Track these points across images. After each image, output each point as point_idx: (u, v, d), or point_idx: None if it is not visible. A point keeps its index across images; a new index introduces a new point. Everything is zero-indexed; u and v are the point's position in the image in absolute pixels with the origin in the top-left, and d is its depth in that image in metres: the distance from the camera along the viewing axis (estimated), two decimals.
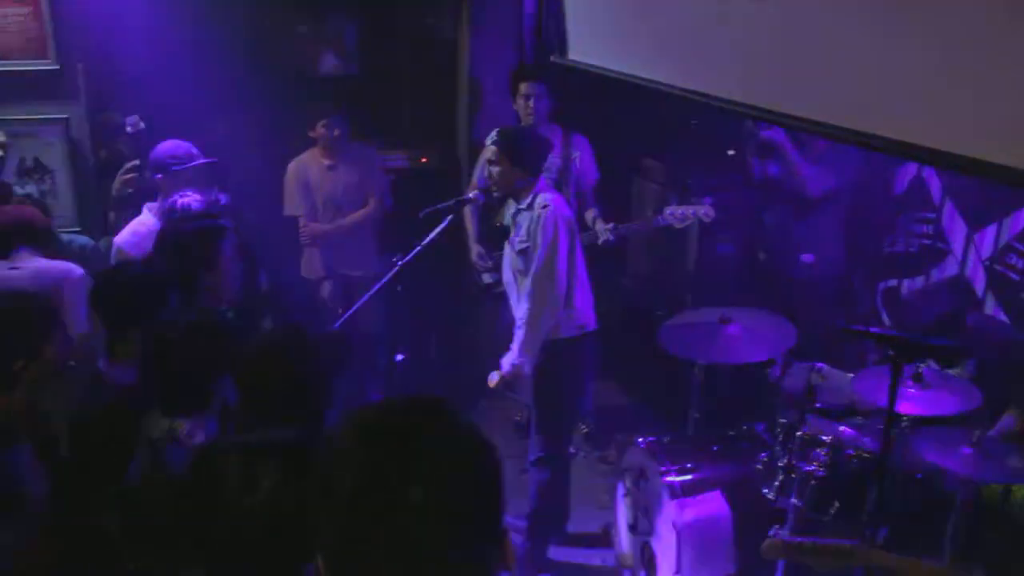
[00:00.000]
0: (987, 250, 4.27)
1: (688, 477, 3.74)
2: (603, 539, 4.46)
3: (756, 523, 3.67)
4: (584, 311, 4.08)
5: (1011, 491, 3.96)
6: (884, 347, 4.55)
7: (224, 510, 1.64)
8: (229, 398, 2.38)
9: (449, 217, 3.90)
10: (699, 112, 5.21)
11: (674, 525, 3.63)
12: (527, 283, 3.92)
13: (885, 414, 3.43)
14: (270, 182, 5.23)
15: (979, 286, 4.32)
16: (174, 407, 2.38)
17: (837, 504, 3.43)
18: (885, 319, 4.96)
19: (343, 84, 5.91)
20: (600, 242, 4.70)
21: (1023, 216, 4.23)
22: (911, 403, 3.26)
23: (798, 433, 3.54)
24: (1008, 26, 1.93)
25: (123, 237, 3.87)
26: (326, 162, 5.06)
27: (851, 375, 3.81)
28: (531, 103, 4.73)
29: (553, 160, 4.81)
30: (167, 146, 4.10)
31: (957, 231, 4.51)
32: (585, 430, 5.26)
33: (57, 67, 4.63)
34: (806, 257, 4.65)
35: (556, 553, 4.40)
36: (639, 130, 5.66)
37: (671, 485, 3.71)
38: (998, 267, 4.22)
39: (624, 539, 4.17)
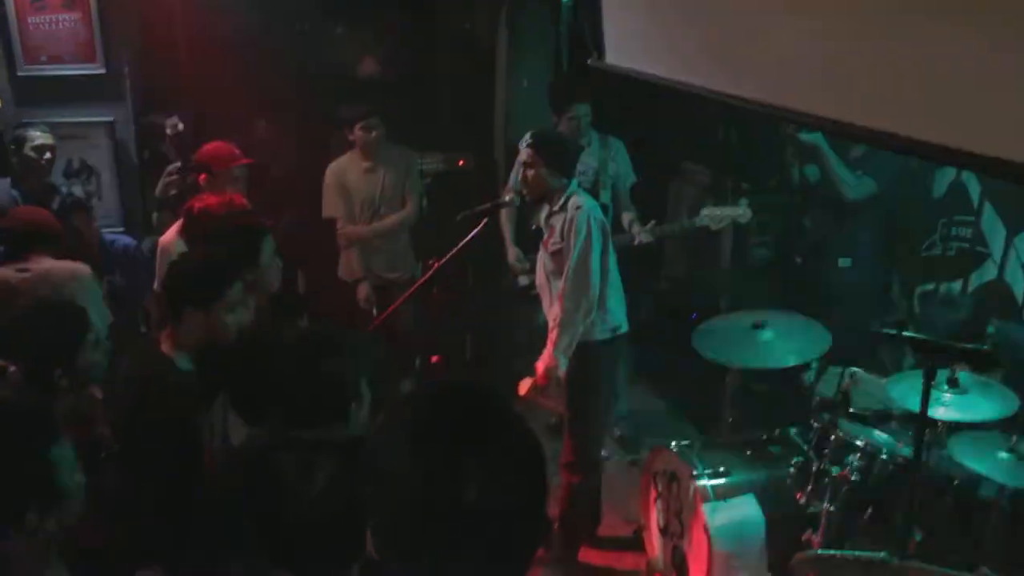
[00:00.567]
0: None
1: (721, 481, 3.74)
2: (634, 542, 4.46)
3: (789, 527, 3.67)
4: (617, 313, 4.09)
5: None
6: (918, 351, 4.56)
7: (283, 503, 1.71)
8: None
9: (485, 220, 3.93)
10: (738, 116, 5.21)
11: (706, 529, 3.63)
12: (561, 285, 3.94)
13: (919, 419, 3.45)
14: (309, 183, 5.31)
15: (1018, 290, 4.27)
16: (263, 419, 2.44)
17: (870, 509, 3.41)
18: (923, 322, 4.92)
19: (382, 87, 5.98)
20: (636, 243, 4.71)
21: None
22: (946, 408, 3.23)
23: (831, 438, 3.53)
24: None
25: (168, 237, 3.94)
26: (364, 164, 5.11)
27: (885, 380, 3.79)
28: (579, 123, 4.80)
29: (589, 163, 4.85)
30: (210, 148, 4.18)
31: (996, 235, 4.46)
32: (618, 433, 5.27)
33: (104, 71, 4.75)
34: (843, 261, 4.62)
35: (587, 555, 4.42)
36: (678, 132, 5.68)
37: (704, 488, 3.71)
38: None
39: (655, 542, 4.17)
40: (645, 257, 4.98)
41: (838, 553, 2.67)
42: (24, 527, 1.88)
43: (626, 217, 4.89)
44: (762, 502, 3.71)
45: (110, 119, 4.84)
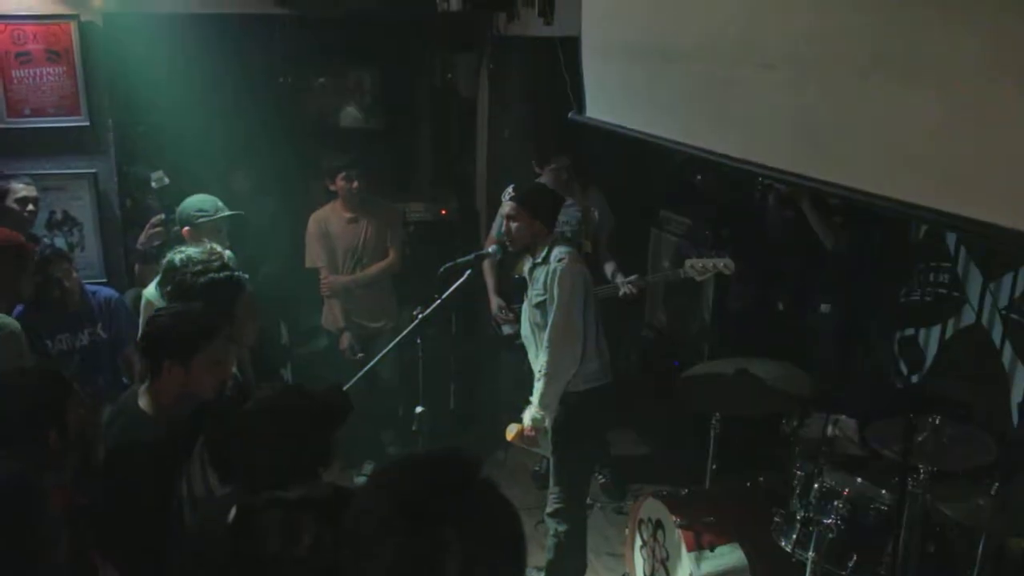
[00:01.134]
0: (1003, 299, 4.29)
1: (706, 529, 3.74)
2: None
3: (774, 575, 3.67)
4: (601, 363, 4.11)
5: None
6: (902, 400, 4.60)
7: (269, 563, 1.70)
8: None
9: (468, 271, 3.96)
10: (713, 167, 5.29)
11: None
12: (545, 336, 3.97)
13: (902, 466, 3.47)
14: (291, 233, 5.32)
15: (996, 335, 4.33)
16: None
17: (855, 557, 3.41)
18: (903, 368, 4.96)
19: (363, 137, 6.03)
20: (621, 295, 4.74)
21: None
22: (928, 456, 3.25)
23: (815, 485, 3.54)
24: (1013, 90, 1.98)
25: (152, 290, 3.91)
26: (346, 215, 5.14)
27: (867, 425, 3.82)
28: (562, 174, 4.88)
29: (572, 214, 4.90)
30: (194, 200, 4.20)
31: (973, 280, 4.53)
32: (602, 480, 5.26)
33: (87, 123, 4.76)
34: (824, 307, 4.67)
35: None
36: (655, 182, 5.76)
37: (689, 537, 3.70)
38: (1015, 316, 4.23)
39: None
40: (628, 305, 5.01)
41: None
42: None
43: (609, 267, 4.95)
44: (747, 551, 3.71)
45: (93, 171, 4.84)
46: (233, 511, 1.99)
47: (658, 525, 3.97)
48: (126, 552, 2.49)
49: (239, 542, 1.82)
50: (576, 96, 3.82)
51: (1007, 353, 4.26)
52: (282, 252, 5.35)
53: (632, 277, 4.78)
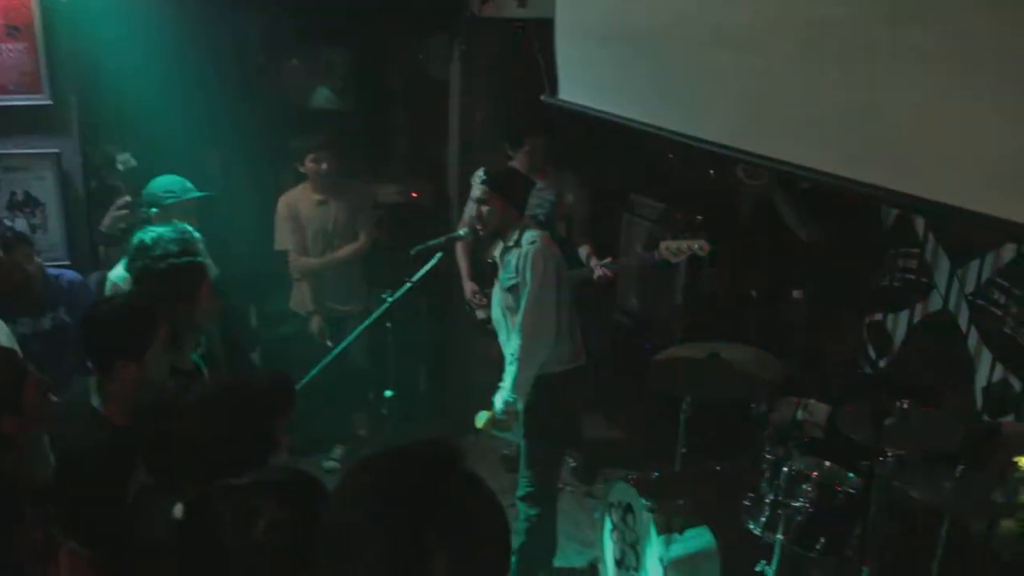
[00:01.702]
0: (970, 285, 4.32)
1: (676, 513, 3.75)
2: (590, 574, 4.45)
3: (743, 559, 3.69)
4: (573, 346, 4.11)
5: (997, 525, 3.99)
6: (870, 385, 4.64)
7: (225, 552, 1.67)
8: None
9: (439, 254, 3.93)
10: (689, 150, 5.29)
11: (661, 561, 3.64)
12: (518, 319, 3.95)
13: (870, 449, 3.50)
14: (261, 215, 5.26)
15: (962, 321, 4.37)
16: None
17: (823, 540, 3.44)
18: (871, 353, 5.00)
19: (334, 118, 5.95)
20: (595, 278, 4.73)
21: (1007, 252, 4.29)
22: (895, 440, 3.28)
23: (785, 469, 3.56)
24: (985, 76, 1.98)
25: (118, 272, 3.83)
26: (316, 197, 5.09)
27: (825, 407, 3.85)
28: (536, 157, 4.85)
29: (545, 197, 4.88)
30: (162, 181, 4.13)
31: (941, 266, 4.56)
32: (573, 464, 5.27)
33: (50, 102, 4.65)
34: (795, 293, 4.69)
35: None
36: (627, 165, 5.74)
37: (659, 520, 3.72)
38: (981, 302, 4.26)
39: (611, 574, 4.17)
40: (599, 289, 5.01)
41: None
42: None
43: (583, 251, 4.93)
44: (716, 534, 3.73)
45: (56, 150, 4.73)
46: (179, 507, 1.97)
47: (628, 509, 3.98)
48: (87, 538, 2.44)
49: (191, 535, 1.78)
50: (549, 78, 3.80)
51: (973, 338, 4.30)
52: (252, 234, 5.29)
53: (607, 260, 4.77)
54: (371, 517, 1.23)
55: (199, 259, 3.25)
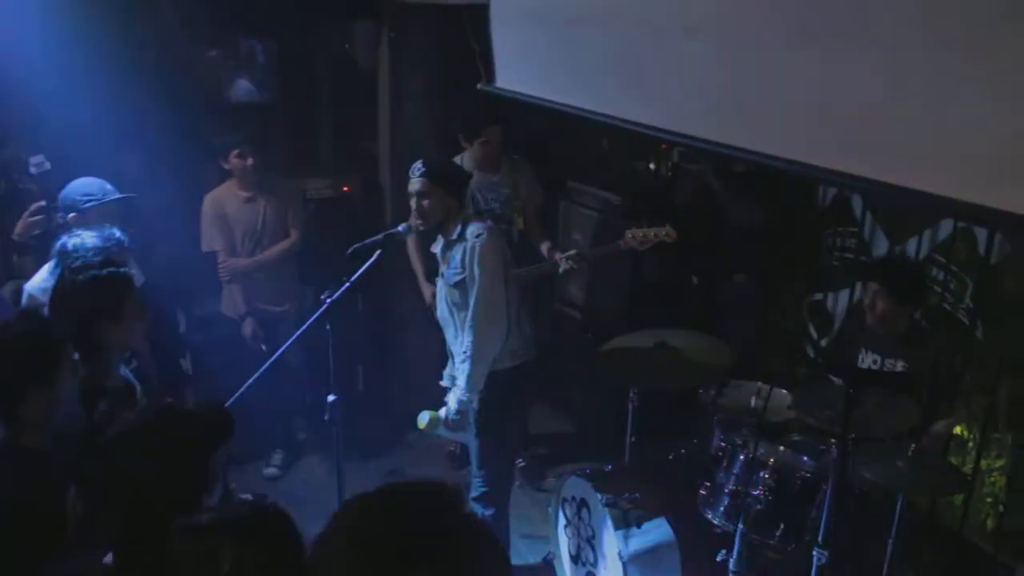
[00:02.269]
0: None
1: (632, 506, 3.69)
2: (544, 570, 4.38)
3: (702, 549, 3.65)
4: (523, 339, 4.03)
5: (946, 502, 4.04)
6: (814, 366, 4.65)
7: None
8: None
9: (378, 251, 3.78)
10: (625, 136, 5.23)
11: (620, 556, 3.57)
12: (468, 315, 3.84)
13: (824, 432, 3.49)
14: (185, 216, 5.04)
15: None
16: None
17: (782, 526, 3.42)
18: (812, 332, 5.03)
19: (259, 111, 5.74)
20: (562, 271, 4.61)
21: (941, 228, 4.34)
22: (853, 423, 3.26)
23: (740, 457, 3.53)
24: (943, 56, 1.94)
25: (36, 283, 3.57)
26: (243, 194, 4.89)
27: (785, 392, 3.83)
28: (493, 147, 4.70)
29: (501, 189, 4.75)
30: (79, 184, 3.90)
31: (879, 245, 4.60)
32: (522, 462, 5.15)
33: None
34: (737, 276, 4.67)
35: None
36: (561, 153, 5.66)
37: (615, 515, 3.65)
38: None
39: (567, 570, 4.10)
40: (540, 279, 4.92)
41: None
42: None
43: (544, 245, 4.80)
44: (675, 525, 3.68)
45: None
46: (110, 556, 1.83)
47: (582, 504, 3.91)
48: None
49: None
50: (485, 66, 3.67)
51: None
52: (176, 236, 5.06)
53: (571, 252, 4.63)
54: (360, 560, 1.11)
55: (123, 270, 3.02)
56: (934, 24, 1.95)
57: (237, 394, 3.67)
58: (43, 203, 4.00)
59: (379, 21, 5.34)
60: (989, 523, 4.18)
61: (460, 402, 3.87)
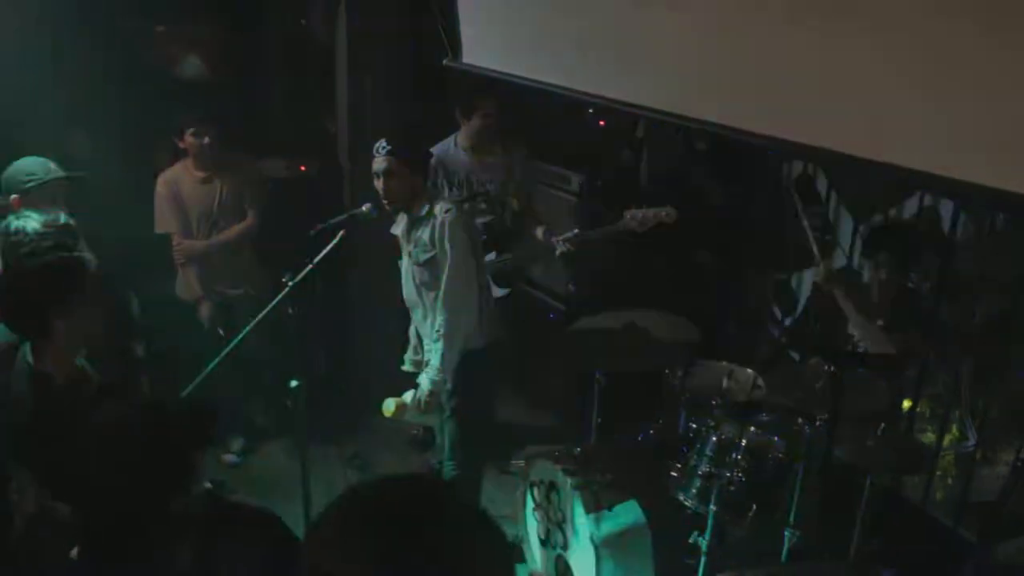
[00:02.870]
0: None
1: (602, 489, 3.65)
2: (513, 554, 4.33)
3: (674, 531, 3.63)
4: (492, 319, 3.97)
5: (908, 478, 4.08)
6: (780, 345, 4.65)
7: None
8: None
9: (342, 232, 3.67)
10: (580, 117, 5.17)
11: (592, 539, 3.53)
12: (442, 293, 3.76)
13: (794, 412, 3.49)
14: (137, 197, 4.87)
15: (867, 277, 4.41)
16: None
17: (755, 507, 3.41)
18: (776, 312, 5.04)
19: (212, 89, 5.56)
20: (558, 254, 4.52)
21: (906, 208, 4.35)
22: (823, 402, 3.26)
23: (712, 438, 3.50)
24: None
25: None
26: (198, 174, 4.74)
27: (750, 372, 3.82)
28: (491, 124, 4.54)
29: (496, 169, 4.64)
30: (21, 164, 3.74)
31: (845, 223, 4.60)
32: (489, 443, 5.09)
33: None
34: (701, 256, 4.65)
35: None
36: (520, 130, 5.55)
37: (585, 498, 3.61)
38: None
39: (536, 553, 4.06)
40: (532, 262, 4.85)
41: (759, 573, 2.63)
42: None
43: (539, 228, 4.69)
44: (645, 507, 3.65)
45: None
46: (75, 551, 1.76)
47: (551, 487, 3.86)
48: None
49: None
50: (450, 40, 3.58)
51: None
52: (127, 217, 4.89)
53: (569, 234, 4.54)
54: (356, 557, 1.05)
55: (75, 254, 2.86)
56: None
57: (196, 381, 3.56)
58: None
59: None
60: (939, 496, 4.24)
61: (433, 382, 3.80)
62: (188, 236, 4.79)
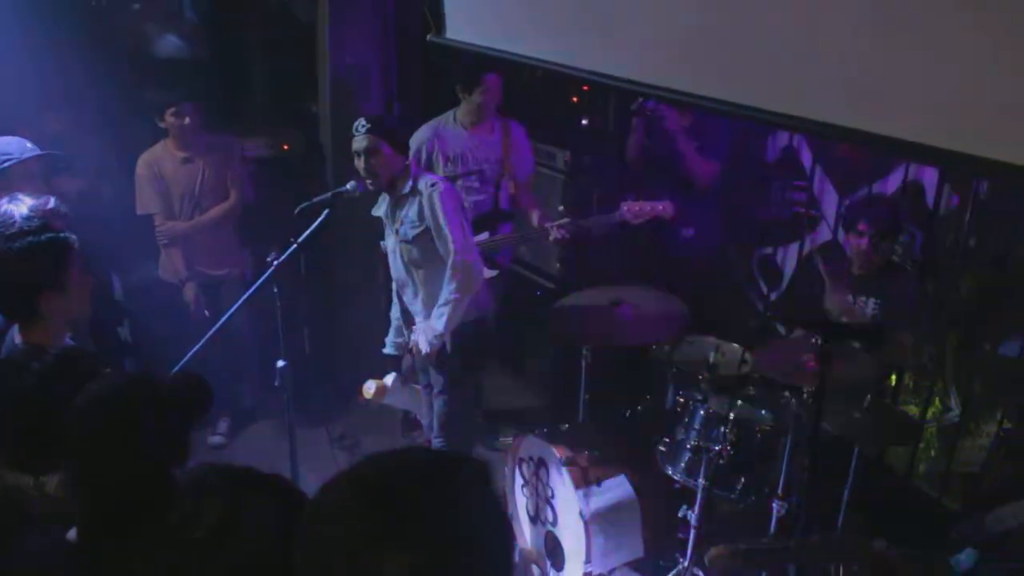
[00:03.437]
0: None
1: (591, 465, 3.67)
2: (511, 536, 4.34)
3: (663, 506, 3.66)
4: (483, 291, 3.99)
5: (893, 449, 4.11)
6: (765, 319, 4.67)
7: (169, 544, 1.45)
8: None
9: (327, 211, 3.65)
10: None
11: (581, 515, 3.55)
12: (449, 261, 3.75)
13: (781, 385, 3.51)
14: (118, 177, 4.81)
15: (850, 251, 4.43)
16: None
17: (743, 480, 3.43)
18: (762, 286, 5.04)
19: (192, 68, 5.50)
20: (552, 240, 4.48)
21: (891, 181, 4.36)
22: (812, 376, 3.27)
23: (700, 412, 3.52)
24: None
25: None
26: (180, 154, 4.69)
27: (737, 346, 3.83)
28: (493, 100, 4.48)
29: (494, 148, 4.58)
30: None
31: (828, 198, 4.61)
32: (478, 422, 5.09)
33: None
34: (687, 231, 4.63)
35: None
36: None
37: (575, 474, 3.62)
38: None
39: (525, 529, 4.08)
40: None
41: (749, 547, 2.64)
42: None
43: (535, 212, 4.62)
44: (634, 482, 3.67)
45: None
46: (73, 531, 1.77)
47: (540, 463, 3.87)
48: None
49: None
50: (434, 15, 3.53)
51: None
52: (110, 199, 4.84)
53: (563, 220, 4.49)
54: (354, 532, 1.06)
55: (63, 235, 2.82)
56: None
57: (183, 362, 3.53)
58: None
59: None
60: (922, 467, 4.29)
61: (436, 337, 3.83)
62: (171, 217, 4.74)
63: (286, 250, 3.61)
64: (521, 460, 4.01)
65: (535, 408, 5.17)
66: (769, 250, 4.96)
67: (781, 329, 4.35)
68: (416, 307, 3.92)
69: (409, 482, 1.10)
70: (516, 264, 5.51)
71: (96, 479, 1.80)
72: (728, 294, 4.97)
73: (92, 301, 3.02)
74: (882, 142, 2.04)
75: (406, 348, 4.21)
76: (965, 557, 2.63)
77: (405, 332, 4.19)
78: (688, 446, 3.49)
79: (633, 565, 3.76)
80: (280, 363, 3.66)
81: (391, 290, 4.22)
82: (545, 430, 3.89)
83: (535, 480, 3.92)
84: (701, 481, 3.42)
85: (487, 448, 4.99)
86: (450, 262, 3.75)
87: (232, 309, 3.66)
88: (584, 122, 5.35)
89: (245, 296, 3.65)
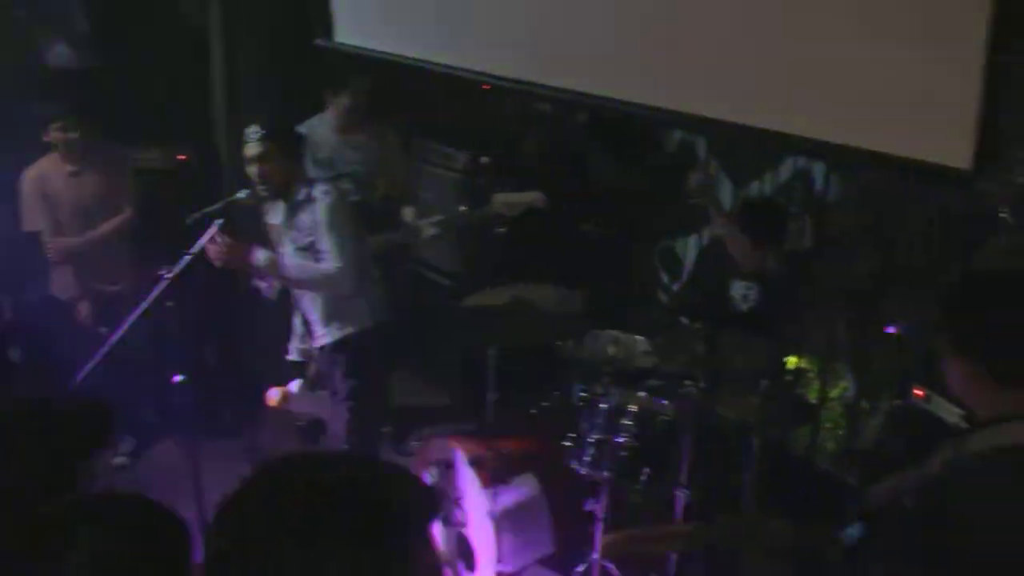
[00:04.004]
0: None
1: (498, 464, 3.68)
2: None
3: (570, 500, 3.68)
4: (379, 300, 3.97)
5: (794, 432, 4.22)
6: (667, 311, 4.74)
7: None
8: None
9: (219, 221, 3.58)
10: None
11: (489, 514, 3.56)
12: (331, 270, 3.69)
13: (681, 375, 3.57)
14: (4, 194, 4.64)
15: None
16: None
17: (648, 471, 3.48)
18: (663, 278, 5.13)
19: (79, 77, 5.33)
20: (426, 237, 4.46)
21: (783, 171, 4.48)
22: (707, 363, 3.35)
23: (602, 406, 3.56)
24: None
25: None
26: (68, 168, 4.55)
27: (640, 338, 3.89)
28: (361, 103, 4.39)
29: (368, 149, 4.55)
30: None
31: (724, 189, 4.71)
32: (386, 429, 5.06)
33: None
34: (585, 226, 4.69)
35: None
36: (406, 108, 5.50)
37: (482, 474, 3.63)
38: None
39: (437, 533, 4.07)
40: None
41: (645, 532, 2.68)
42: None
43: (409, 211, 4.61)
44: (542, 478, 3.70)
45: None
46: None
47: (448, 466, 3.87)
48: None
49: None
50: (321, 19, 3.51)
51: None
52: None
53: (436, 218, 4.48)
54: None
55: None
56: None
57: (75, 381, 3.43)
58: None
59: None
60: (830, 447, 4.41)
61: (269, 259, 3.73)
62: (59, 233, 4.59)
63: (179, 263, 3.54)
64: (430, 464, 4.00)
65: (442, 409, 5.16)
66: (669, 242, 5.04)
67: (684, 320, 4.43)
68: (314, 316, 3.88)
69: (330, 478, 1.10)
70: (418, 264, 5.50)
71: None
72: (630, 287, 5.04)
73: None
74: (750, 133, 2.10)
75: (310, 354, 4.16)
76: (852, 530, 2.72)
77: (309, 339, 4.14)
78: (591, 439, 3.52)
79: (544, 562, 3.79)
80: (176, 378, 3.58)
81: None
82: (451, 432, 3.90)
83: (443, 482, 3.91)
84: (605, 473, 3.46)
85: (397, 453, 4.97)
86: (331, 270, 3.70)
87: (122, 327, 3.57)
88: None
89: (136, 312, 3.56)
